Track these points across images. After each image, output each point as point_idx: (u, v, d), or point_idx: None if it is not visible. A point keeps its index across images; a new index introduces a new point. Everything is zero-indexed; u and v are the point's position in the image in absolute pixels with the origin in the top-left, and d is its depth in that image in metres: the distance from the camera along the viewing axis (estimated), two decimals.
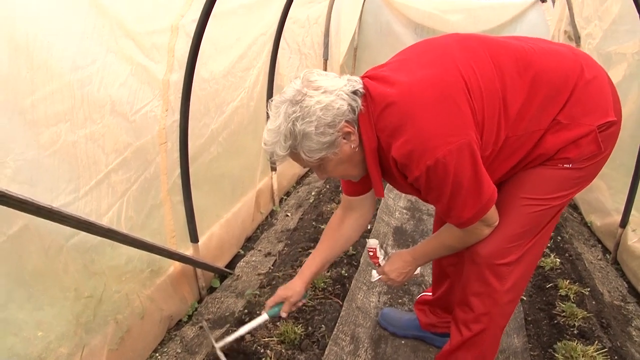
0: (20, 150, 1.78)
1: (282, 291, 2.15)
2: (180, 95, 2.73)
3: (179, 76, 2.70)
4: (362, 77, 1.73)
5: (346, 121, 1.63)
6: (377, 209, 4.09)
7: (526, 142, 1.77)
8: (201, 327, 2.79)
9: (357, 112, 1.65)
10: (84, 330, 2.15)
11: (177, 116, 2.76)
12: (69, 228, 1.92)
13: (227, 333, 2.54)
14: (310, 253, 3.20)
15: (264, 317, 2.15)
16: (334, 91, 1.61)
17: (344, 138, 1.66)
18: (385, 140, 1.67)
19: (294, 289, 2.14)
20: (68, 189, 2.04)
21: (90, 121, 2.12)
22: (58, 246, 2.02)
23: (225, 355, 2.19)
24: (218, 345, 2.15)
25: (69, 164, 2.03)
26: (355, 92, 1.64)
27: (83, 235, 2.06)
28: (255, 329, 2.17)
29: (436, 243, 2.02)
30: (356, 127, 1.67)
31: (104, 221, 2.20)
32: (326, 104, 1.59)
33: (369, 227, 3.74)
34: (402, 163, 1.65)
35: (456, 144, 1.57)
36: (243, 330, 2.16)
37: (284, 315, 2.14)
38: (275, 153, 1.65)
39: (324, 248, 2.21)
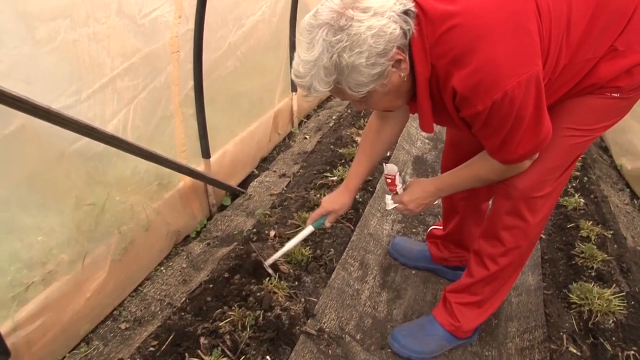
0: (13, 44, 1.67)
1: (329, 204, 2.14)
2: (195, 2, 2.58)
3: None
4: None
5: (397, 47, 1.39)
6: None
7: (580, 71, 1.63)
8: (208, 244, 2.76)
9: (409, 36, 1.41)
10: (86, 238, 2.11)
11: (191, 24, 2.62)
12: (71, 132, 1.85)
13: (234, 251, 2.51)
14: (325, 176, 3.15)
15: (309, 229, 2.18)
16: (384, 12, 1.34)
17: (394, 67, 1.43)
18: (444, 68, 1.45)
19: (341, 201, 2.13)
20: (69, 91, 1.94)
21: (94, 20, 2.00)
22: (59, 150, 1.95)
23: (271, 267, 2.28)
24: (267, 263, 2.24)
25: (69, 64, 1.93)
26: (406, 13, 1.38)
27: (87, 141, 1.98)
28: (300, 243, 2.26)
29: (467, 174, 1.84)
30: (407, 54, 1.44)
31: (109, 128, 2.10)
32: (378, 30, 1.33)
33: (387, 154, 3.62)
34: (464, 95, 1.45)
35: (526, 75, 1.39)
36: (290, 244, 2.21)
37: (328, 225, 2.19)
38: (312, 88, 1.42)
39: (366, 158, 2.13)
